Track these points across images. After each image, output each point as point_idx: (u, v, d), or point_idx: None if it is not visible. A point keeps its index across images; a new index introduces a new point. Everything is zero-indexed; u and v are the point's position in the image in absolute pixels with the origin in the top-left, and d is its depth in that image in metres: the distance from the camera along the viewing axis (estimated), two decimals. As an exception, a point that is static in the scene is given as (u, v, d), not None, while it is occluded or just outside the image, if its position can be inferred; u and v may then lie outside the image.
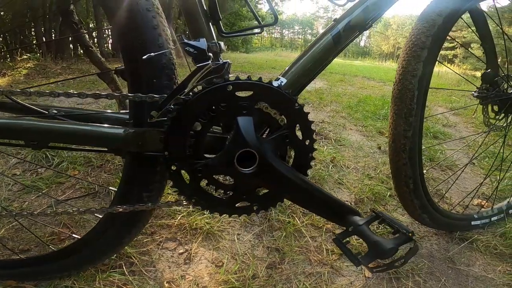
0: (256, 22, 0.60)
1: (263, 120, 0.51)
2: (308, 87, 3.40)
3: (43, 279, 0.72)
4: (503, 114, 0.98)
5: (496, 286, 0.83)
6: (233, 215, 0.55)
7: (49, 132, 0.48)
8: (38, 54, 4.59)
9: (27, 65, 3.99)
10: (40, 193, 1.10)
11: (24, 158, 1.34)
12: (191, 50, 0.46)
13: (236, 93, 0.48)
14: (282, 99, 0.49)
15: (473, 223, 1.00)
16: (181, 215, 0.99)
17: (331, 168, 1.44)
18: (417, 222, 1.01)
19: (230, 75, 0.51)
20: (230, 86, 0.46)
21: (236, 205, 0.55)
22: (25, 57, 4.23)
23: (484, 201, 1.24)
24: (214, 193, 0.54)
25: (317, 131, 1.98)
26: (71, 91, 0.47)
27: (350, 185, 1.31)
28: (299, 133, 0.53)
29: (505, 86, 0.94)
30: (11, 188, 1.13)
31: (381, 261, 0.58)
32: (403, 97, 0.68)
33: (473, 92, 0.94)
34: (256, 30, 0.60)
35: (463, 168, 1.29)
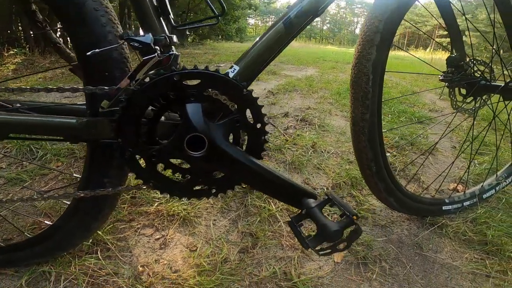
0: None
1: (215, 107, 0.54)
2: (298, 75, 3.41)
3: (22, 265, 0.75)
4: (471, 98, 1.01)
5: (460, 274, 0.84)
6: (192, 198, 0.58)
7: (7, 124, 0.51)
8: (26, 49, 4.53)
9: (15, 60, 3.95)
10: (23, 186, 1.12)
11: (10, 152, 1.36)
12: (136, 44, 0.48)
13: (185, 82, 0.50)
14: (229, 85, 0.51)
15: (444, 208, 1.01)
16: (158, 202, 1.02)
17: (311, 153, 1.46)
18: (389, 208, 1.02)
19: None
20: (177, 75, 0.48)
21: (195, 188, 0.57)
22: (12, 52, 4.18)
23: (460, 185, 1.27)
24: (172, 176, 0.57)
25: (302, 117, 1.99)
26: (24, 86, 0.49)
27: (329, 170, 1.33)
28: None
29: (472, 70, 0.96)
30: None
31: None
32: (359, 80, 0.70)
33: (439, 76, 0.97)
34: (211, 21, 0.61)
35: (432, 148, 1.32)
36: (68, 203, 0.68)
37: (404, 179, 1.32)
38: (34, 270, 0.75)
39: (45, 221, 0.91)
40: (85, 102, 0.57)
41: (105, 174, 0.59)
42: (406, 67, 5.79)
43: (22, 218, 0.95)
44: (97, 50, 0.48)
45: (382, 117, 2.15)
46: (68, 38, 0.53)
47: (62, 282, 0.72)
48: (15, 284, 0.72)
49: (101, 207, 0.64)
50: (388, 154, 0.84)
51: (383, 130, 0.78)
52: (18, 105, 0.58)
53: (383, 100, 0.73)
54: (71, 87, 0.49)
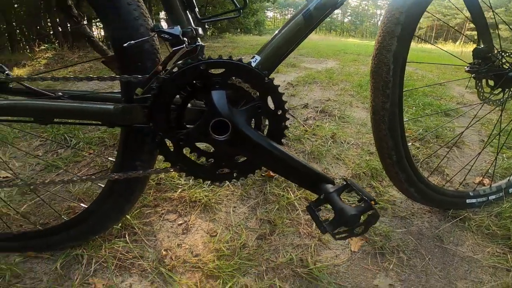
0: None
1: (238, 94, 0.56)
2: (318, 67, 3.38)
3: (58, 249, 0.80)
4: (500, 89, 0.98)
5: (481, 267, 0.83)
6: (215, 182, 0.61)
7: (52, 110, 0.57)
8: (56, 44, 4.78)
9: (46, 55, 4.19)
10: (59, 171, 1.21)
11: (46, 141, 1.47)
12: (166, 36, 0.52)
13: (210, 71, 0.53)
14: (252, 74, 0.54)
15: (468, 201, 0.99)
16: (181, 189, 1.07)
17: (331, 143, 1.46)
18: (410, 199, 1.00)
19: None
20: (203, 65, 0.52)
21: (217, 171, 0.61)
22: (43, 47, 4.43)
23: (486, 179, 1.22)
24: (197, 160, 0.61)
25: (322, 108, 1.98)
26: (68, 75, 0.54)
27: (349, 160, 1.32)
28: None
29: (500, 61, 0.93)
30: (34, 168, 1.25)
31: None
32: (379, 70, 0.70)
33: (465, 67, 0.95)
34: (234, 14, 0.64)
35: (457, 139, 1.28)
36: (103, 186, 0.73)
37: (428, 171, 1.29)
38: (68, 253, 0.80)
39: (81, 204, 0.97)
40: (119, 91, 0.62)
41: (137, 157, 0.64)
42: (433, 60, 5.53)
43: (58, 203, 1.01)
44: (132, 42, 0.52)
45: (406, 109, 2.10)
46: (105, 32, 0.57)
47: (93, 265, 0.77)
48: (50, 267, 0.77)
49: (133, 189, 0.69)
50: (409, 144, 0.84)
51: (405, 121, 0.78)
52: (60, 93, 0.64)
53: (406, 89, 0.73)
54: (109, 76, 0.54)
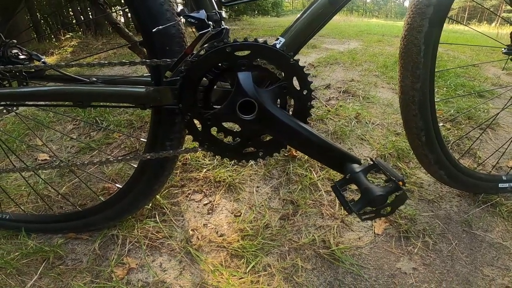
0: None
1: (264, 75, 0.57)
2: (340, 48, 3.24)
3: (95, 230, 0.84)
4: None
5: (509, 254, 0.81)
6: (241, 161, 0.63)
7: (90, 94, 0.60)
8: (80, 33, 4.94)
9: (71, 43, 4.34)
10: (93, 153, 1.28)
11: (79, 124, 1.55)
12: (192, 20, 0.53)
13: (236, 53, 0.53)
14: (277, 55, 0.54)
15: (500, 185, 0.95)
16: (206, 169, 1.10)
17: (355, 124, 1.42)
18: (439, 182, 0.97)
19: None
20: (229, 47, 0.52)
21: (243, 151, 0.62)
22: (68, 36, 4.59)
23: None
24: (224, 139, 0.62)
25: (345, 89, 1.93)
26: (103, 61, 0.58)
27: (373, 141, 1.29)
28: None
29: None
30: (70, 150, 1.32)
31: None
32: (409, 51, 0.69)
33: (502, 49, 0.89)
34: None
35: (491, 121, 1.20)
36: (135, 166, 0.77)
37: (459, 154, 1.24)
38: (105, 234, 0.84)
39: (116, 185, 1.02)
40: (147, 74, 0.65)
41: (167, 138, 0.67)
42: (466, 41, 5.14)
43: (93, 184, 1.07)
44: (160, 27, 0.54)
45: (436, 90, 2.00)
46: (133, 18, 0.59)
47: (127, 245, 0.82)
48: (89, 248, 0.81)
49: (163, 168, 0.73)
50: (440, 125, 0.81)
51: (436, 101, 0.75)
52: (94, 78, 0.67)
53: (437, 70, 0.71)
54: (141, 61, 0.56)
